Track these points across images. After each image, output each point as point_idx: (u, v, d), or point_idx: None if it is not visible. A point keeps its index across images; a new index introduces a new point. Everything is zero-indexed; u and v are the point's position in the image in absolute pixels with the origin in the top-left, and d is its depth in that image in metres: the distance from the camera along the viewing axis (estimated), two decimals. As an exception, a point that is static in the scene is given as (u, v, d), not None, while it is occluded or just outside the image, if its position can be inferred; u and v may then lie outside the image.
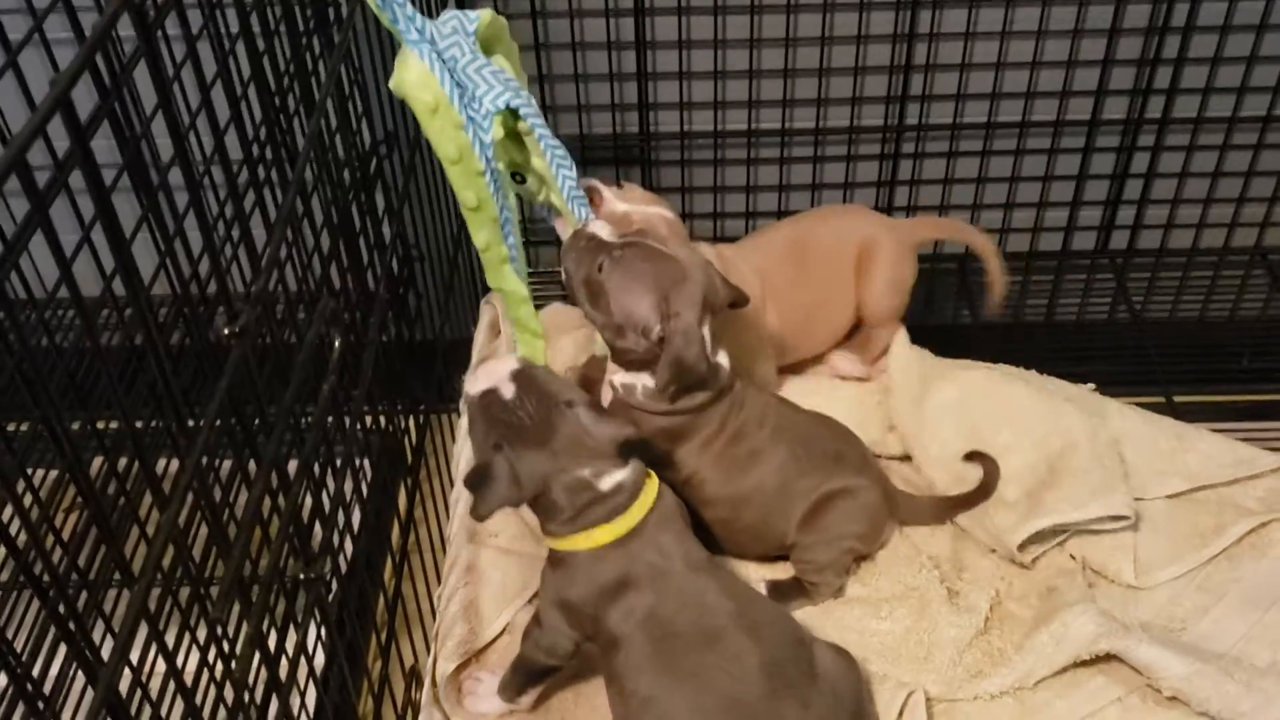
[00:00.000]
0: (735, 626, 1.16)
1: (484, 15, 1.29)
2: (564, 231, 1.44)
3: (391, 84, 1.23)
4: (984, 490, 1.48)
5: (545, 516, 1.21)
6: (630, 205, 1.49)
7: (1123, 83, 1.86)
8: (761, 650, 1.15)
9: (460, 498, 1.53)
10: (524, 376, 1.19)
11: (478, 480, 1.15)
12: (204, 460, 0.74)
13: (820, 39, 1.81)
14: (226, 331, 0.77)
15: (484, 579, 1.45)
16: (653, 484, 1.22)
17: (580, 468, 1.17)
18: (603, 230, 1.34)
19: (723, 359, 1.37)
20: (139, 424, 1.27)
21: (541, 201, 1.45)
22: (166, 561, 0.96)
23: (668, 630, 1.16)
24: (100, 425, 1.02)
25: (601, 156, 1.93)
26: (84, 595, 1.04)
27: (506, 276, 1.40)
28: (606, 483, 1.18)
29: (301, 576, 0.92)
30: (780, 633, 1.20)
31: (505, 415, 1.16)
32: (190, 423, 0.83)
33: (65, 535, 1.15)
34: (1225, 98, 1.86)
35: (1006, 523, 1.43)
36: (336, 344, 0.97)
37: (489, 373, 1.20)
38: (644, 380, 1.34)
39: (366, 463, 1.51)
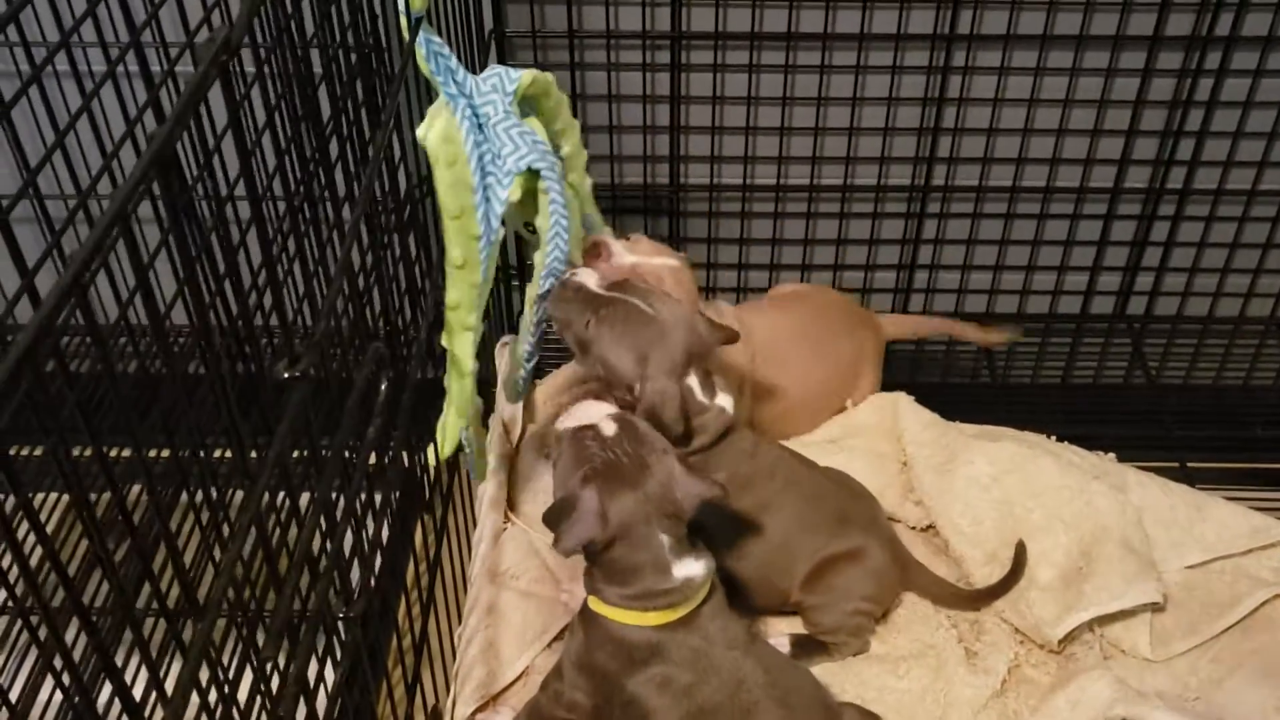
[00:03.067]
0: (767, 698, 1.17)
1: (525, 76, 1.32)
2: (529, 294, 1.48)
3: (418, 131, 1.26)
4: (1014, 576, 1.47)
5: (601, 574, 1.18)
6: (638, 258, 1.51)
7: (1146, 153, 1.89)
8: None
9: (483, 538, 1.55)
10: (624, 419, 1.19)
11: (561, 513, 1.13)
12: (264, 499, 0.76)
13: (851, 99, 1.84)
14: (286, 375, 0.79)
15: (504, 621, 1.47)
16: (711, 575, 1.21)
17: (663, 531, 1.15)
18: (590, 280, 1.37)
19: (724, 400, 1.39)
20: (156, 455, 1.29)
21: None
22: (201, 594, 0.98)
23: (702, 706, 1.16)
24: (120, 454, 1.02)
25: (631, 206, 1.96)
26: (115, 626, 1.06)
27: (461, 342, 1.35)
28: (679, 571, 1.15)
29: (341, 615, 0.94)
30: (809, 700, 1.21)
31: (602, 451, 1.15)
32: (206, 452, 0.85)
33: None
34: (1245, 171, 1.89)
35: (1047, 614, 1.43)
36: (383, 386, 0.99)
37: (588, 411, 1.20)
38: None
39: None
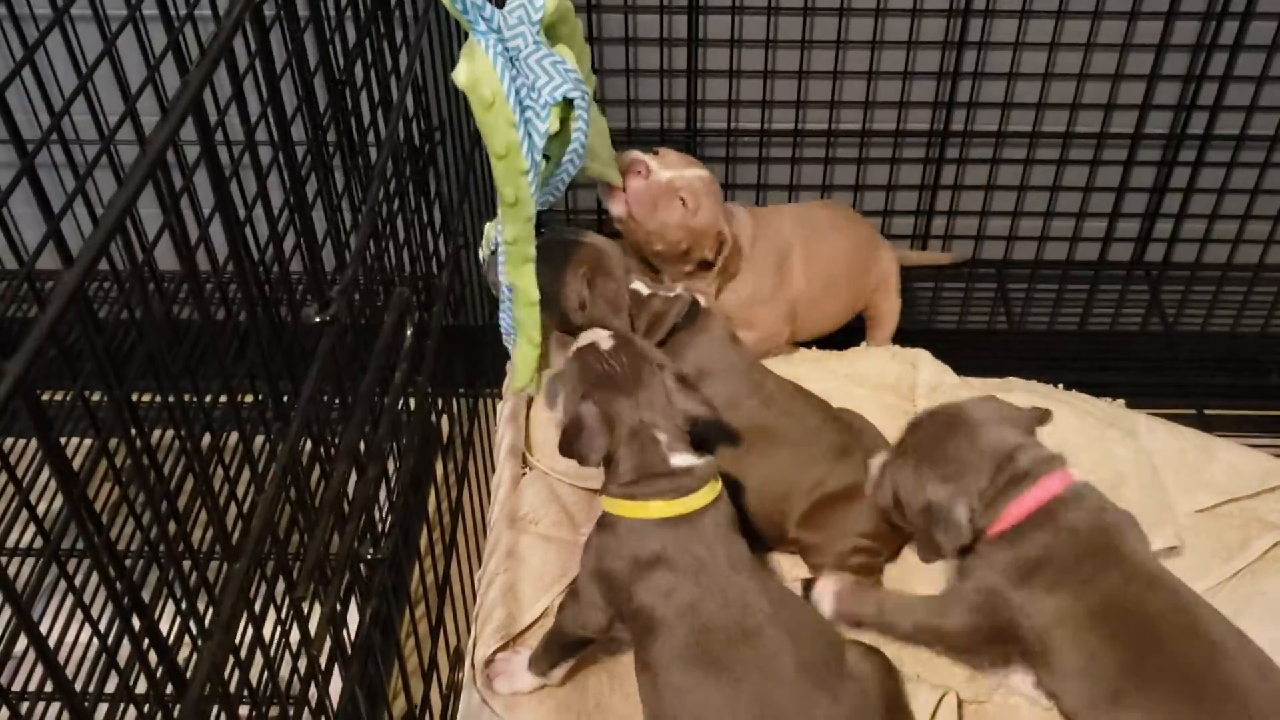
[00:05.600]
0: (771, 625, 1.18)
1: (549, 3, 1.31)
2: (610, 201, 1.59)
3: (454, 75, 1.26)
4: None
5: (609, 473, 1.24)
6: (671, 171, 1.60)
7: (1167, 98, 1.87)
8: (796, 649, 1.17)
9: (502, 483, 1.56)
10: (623, 338, 1.27)
11: (574, 433, 1.21)
12: (298, 444, 0.77)
13: (871, 43, 1.83)
14: (318, 319, 0.80)
15: (524, 564, 1.48)
16: (717, 485, 1.24)
17: (658, 430, 1.21)
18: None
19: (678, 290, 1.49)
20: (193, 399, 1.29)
21: (590, 175, 1.54)
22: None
23: (706, 624, 1.18)
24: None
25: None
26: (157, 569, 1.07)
27: (523, 274, 1.39)
28: (676, 460, 1.21)
29: (369, 556, 0.95)
30: (814, 633, 1.22)
31: (599, 365, 1.23)
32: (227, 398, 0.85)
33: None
34: (1269, 116, 1.88)
35: None
36: (409, 332, 1.00)
37: (590, 334, 1.28)
38: None
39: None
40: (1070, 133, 1.91)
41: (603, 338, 1.27)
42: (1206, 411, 1.81)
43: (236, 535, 0.92)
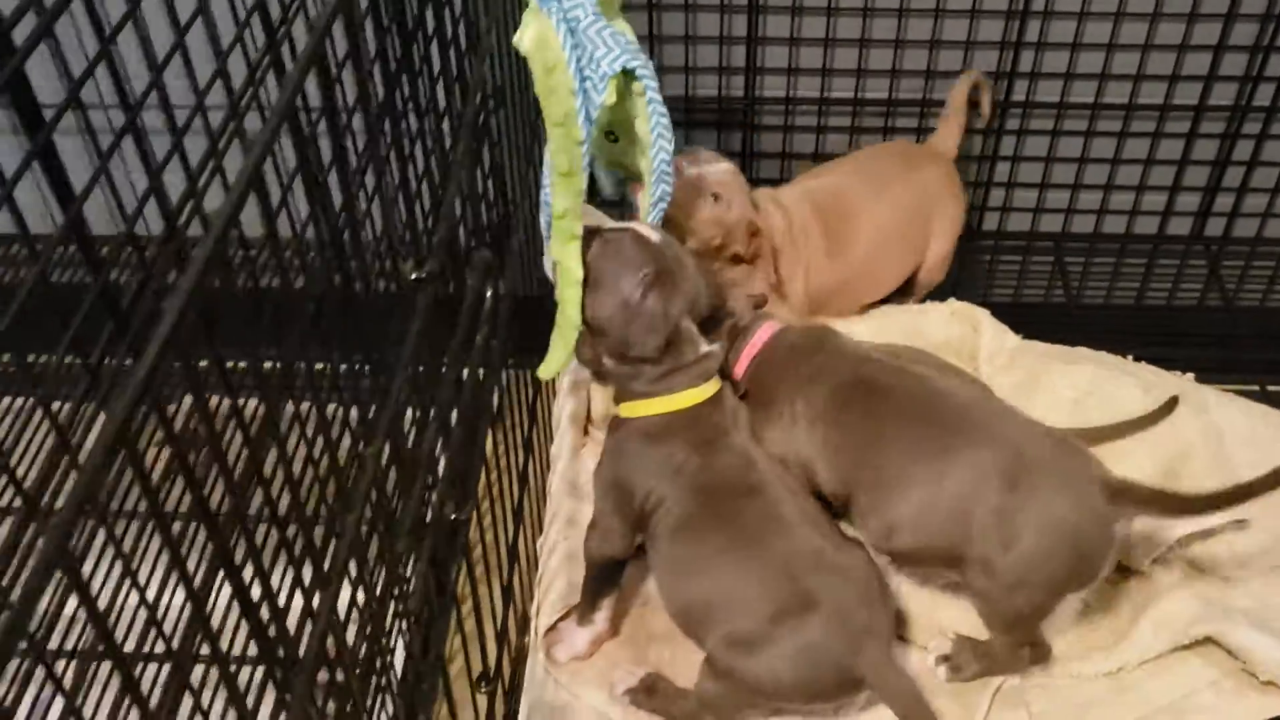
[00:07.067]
0: (776, 480, 1.24)
1: None
2: (639, 201, 1.48)
3: (515, 39, 1.25)
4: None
5: (631, 373, 1.26)
6: (698, 167, 1.58)
7: (1233, 69, 1.85)
8: (797, 502, 1.23)
9: (561, 453, 1.56)
10: (659, 229, 1.31)
11: (628, 320, 1.23)
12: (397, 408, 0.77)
13: (934, 11, 1.81)
14: (414, 277, 0.79)
15: (584, 533, 1.48)
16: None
17: (686, 319, 1.25)
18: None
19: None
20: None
21: (618, 169, 1.49)
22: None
23: (713, 483, 1.23)
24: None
25: (705, 120, 1.94)
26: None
27: (569, 252, 1.31)
28: (703, 347, 1.26)
29: (453, 518, 0.96)
30: (808, 493, 1.28)
31: (652, 254, 1.25)
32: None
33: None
34: (1336, 89, 1.85)
35: (1135, 536, 1.41)
36: (488, 296, 0.99)
37: (631, 224, 1.32)
38: None
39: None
40: (1133, 104, 1.89)
41: (646, 229, 1.28)
42: (1270, 388, 1.79)
43: (311, 500, 0.92)
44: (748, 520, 1.20)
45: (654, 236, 1.27)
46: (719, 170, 1.58)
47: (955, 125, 1.81)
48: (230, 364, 0.77)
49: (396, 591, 0.81)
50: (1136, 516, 1.28)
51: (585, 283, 1.23)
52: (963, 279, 1.86)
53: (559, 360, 1.35)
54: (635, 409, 1.27)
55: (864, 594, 1.18)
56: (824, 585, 1.16)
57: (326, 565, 0.66)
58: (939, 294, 1.75)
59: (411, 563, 0.83)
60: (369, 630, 0.77)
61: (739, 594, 1.18)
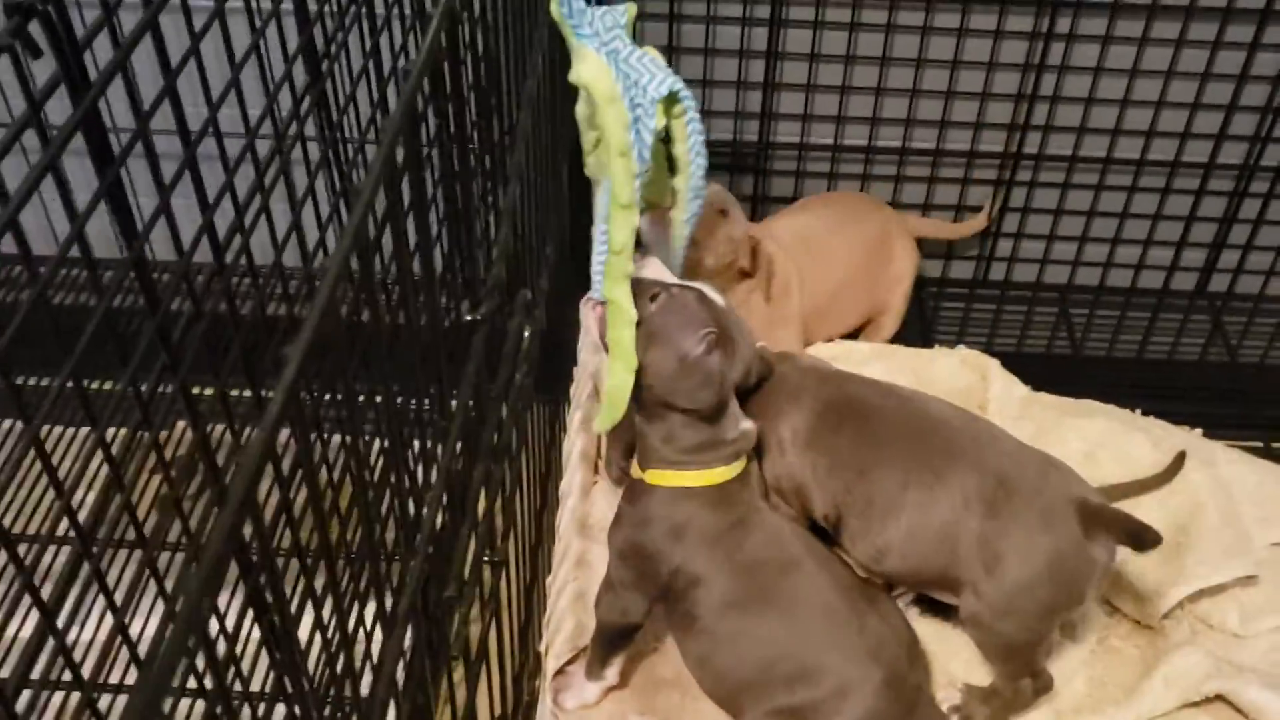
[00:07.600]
0: (809, 555, 1.20)
1: (631, 8, 1.33)
2: (648, 230, 1.49)
3: (571, 75, 1.26)
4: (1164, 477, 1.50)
5: (657, 440, 1.20)
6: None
7: (1243, 129, 1.87)
8: (832, 575, 1.20)
9: (571, 491, 1.55)
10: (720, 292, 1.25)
11: (681, 375, 1.17)
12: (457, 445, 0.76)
13: (950, 62, 1.83)
14: (469, 317, 0.79)
15: (594, 573, 1.47)
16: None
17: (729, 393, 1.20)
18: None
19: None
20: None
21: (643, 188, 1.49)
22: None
23: (750, 563, 1.19)
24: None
25: (717, 164, 1.94)
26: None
27: (623, 290, 1.24)
28: (744, 424, 1.20)
29: (485, 559, 0.95)
30: (840, 561, 1.26)
31: (716, 314, 1.19)
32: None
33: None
34: (1343, 150, 1.88)
35: (1147, 590, 1.42)
36: (526, 334, 0.99)
37: (696, 284, 1.26)
38: None
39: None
40: (1143, 160, 1.91)
41: (709, 289, 1.23)
42: (1275, 445, 1.81)
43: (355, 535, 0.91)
44: (797, 595, 1.17)
45: (718, 299, 1.23)
46: (714, 190, 1.61)
47: (936, 226, 1.94)
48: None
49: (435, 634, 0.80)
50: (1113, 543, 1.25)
51: (641, 334, 1.17)
52: (968, 327, 1.87)
53: (617, 413, 1.23)
54: (664, 478, 1.21)
55: (911, 652, 1.19)
56: (878, 651, 1.15)
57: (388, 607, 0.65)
58: (947, 343, 1.76)
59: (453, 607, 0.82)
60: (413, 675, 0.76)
61: (801, 668, 1.16)
